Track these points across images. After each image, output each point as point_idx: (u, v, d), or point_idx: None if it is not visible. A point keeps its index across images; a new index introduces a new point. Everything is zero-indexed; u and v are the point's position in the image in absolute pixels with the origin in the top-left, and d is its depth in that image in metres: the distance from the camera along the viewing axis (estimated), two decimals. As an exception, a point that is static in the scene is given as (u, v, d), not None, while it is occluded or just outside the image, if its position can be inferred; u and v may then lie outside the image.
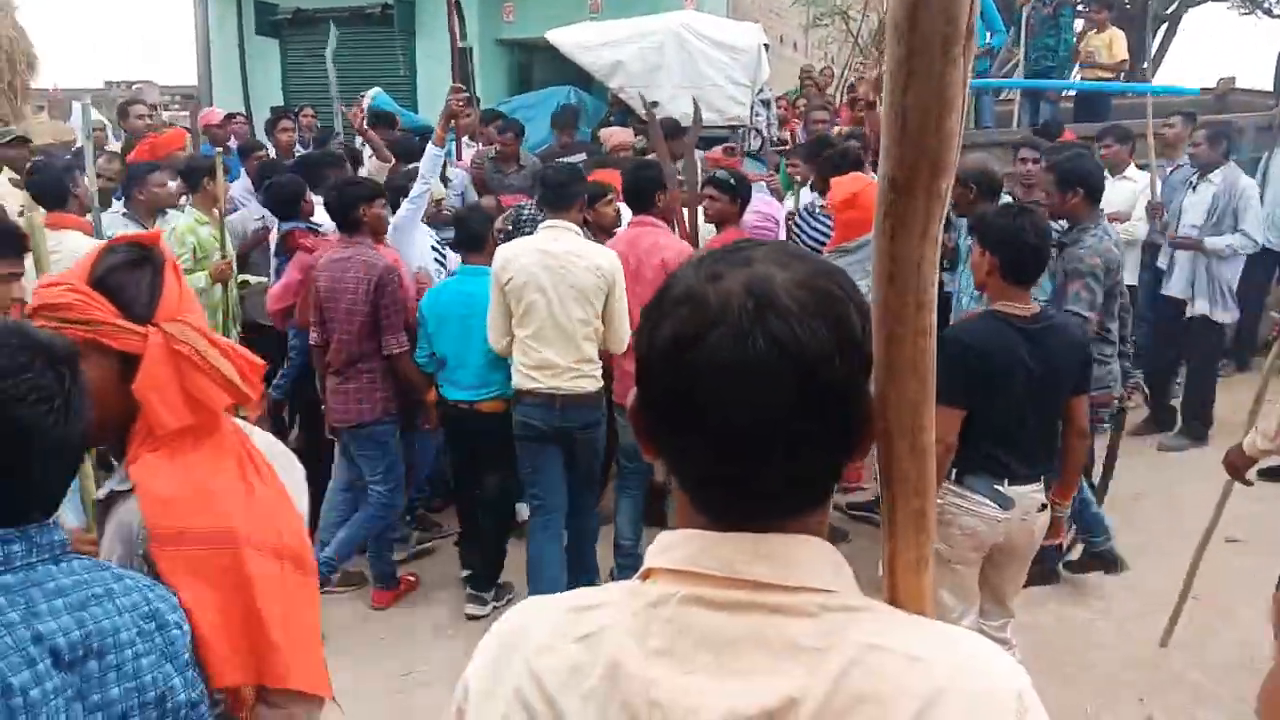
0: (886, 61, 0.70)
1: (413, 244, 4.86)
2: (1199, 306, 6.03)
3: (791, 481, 0.84)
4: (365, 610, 4.46)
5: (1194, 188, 6.13)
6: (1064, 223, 4.29)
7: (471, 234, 4.32)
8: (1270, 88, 8.07)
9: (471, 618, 4.33)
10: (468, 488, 4.54)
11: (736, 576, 0.82)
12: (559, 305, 3.89)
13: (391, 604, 4.50)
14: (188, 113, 12.19)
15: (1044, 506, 3.17)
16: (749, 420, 0.79)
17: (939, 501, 3.12)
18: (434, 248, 5.08)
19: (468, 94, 6.46)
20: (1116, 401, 4.44)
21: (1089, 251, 4.07)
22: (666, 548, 0.87)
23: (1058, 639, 4.08)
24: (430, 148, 4.89)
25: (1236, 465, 3.33)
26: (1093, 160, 4.54)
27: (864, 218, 3.84)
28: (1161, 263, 6.28)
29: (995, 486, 3.06)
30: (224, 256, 5.08)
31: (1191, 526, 3.88)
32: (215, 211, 5.10)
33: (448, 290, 4.33)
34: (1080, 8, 9.46)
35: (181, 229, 5.12)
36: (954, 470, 3.09)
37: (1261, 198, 7.08)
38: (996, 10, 7.87)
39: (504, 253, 4.01)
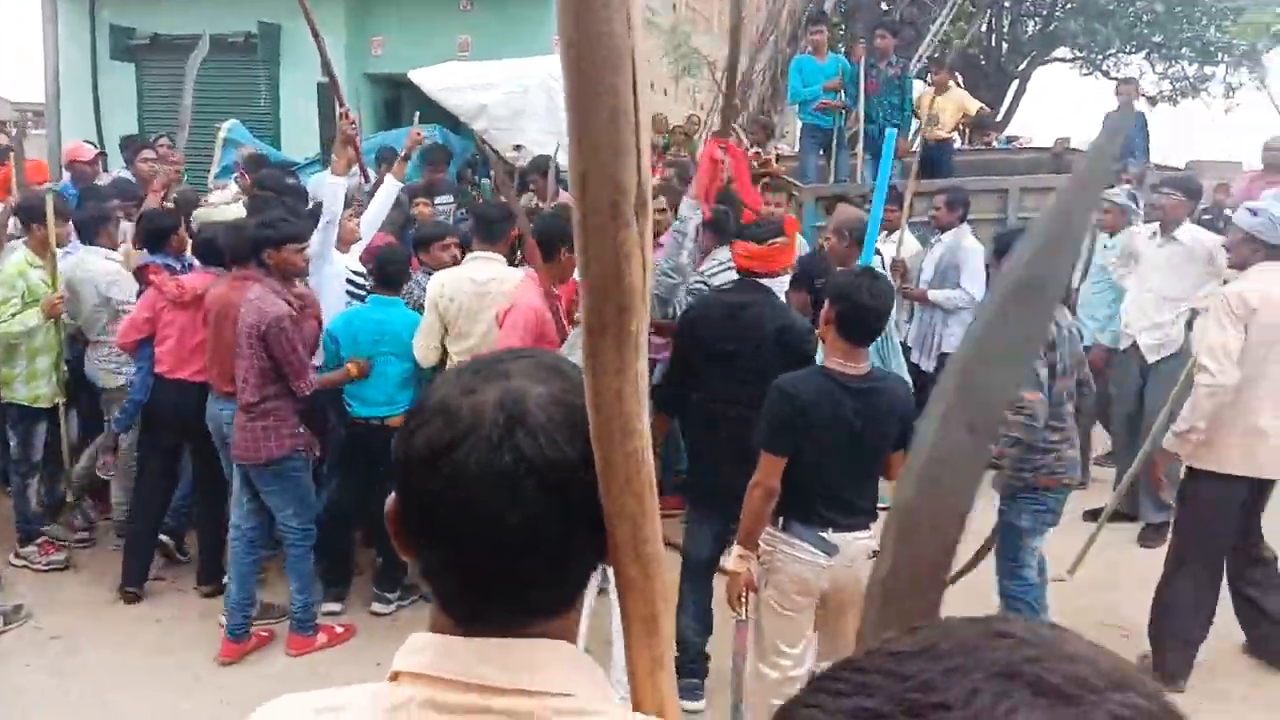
0: (573, 219, 0.76)
1: (320, 273, 4.83)
2: (917, 358, 6.25)
3: (536, 587, 0.87)
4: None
5: (931, 246, 6.48)
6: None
7: (388, 273, 4.72)
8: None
9: (376, 614, 4.72)
10: (364, 502, 4.76)
11: (472, 681, 0.83)
12: (484, 326, 4.29)
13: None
14: (44, 133, 11.54)
15: (875, 554, 3.29)
16: (493, 530, 0.82)
17: (768, 549, 3.22)
18: (352, 277, 5.03)
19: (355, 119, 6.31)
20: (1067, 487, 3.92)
21: None
22: (412, 650, 0.88)
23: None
24: (330, 179, 4.87)
25: (1157, 463, 4.24)
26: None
27: None
28: (904, 319, 6.46)
29: (820, 534, 3.15)
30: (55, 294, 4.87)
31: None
32: (49, 254, 4.87)
33: (360, 316, 4.70)
34: (930, 63, 9.98)
35: (10, 272, 4.86)
36: (781, 519, 3.19)
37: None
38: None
39: (440, 278, 4.49)
